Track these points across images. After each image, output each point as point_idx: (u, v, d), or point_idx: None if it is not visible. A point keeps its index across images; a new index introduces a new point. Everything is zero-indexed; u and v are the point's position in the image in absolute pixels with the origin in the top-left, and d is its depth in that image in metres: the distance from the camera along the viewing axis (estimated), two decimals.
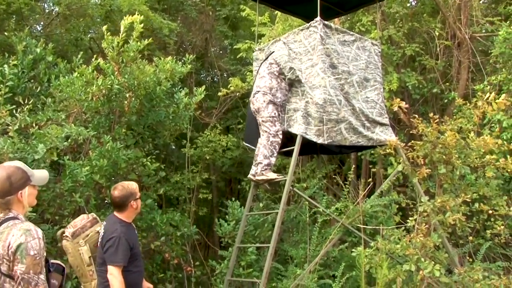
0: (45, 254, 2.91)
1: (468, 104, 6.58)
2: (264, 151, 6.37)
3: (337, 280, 6.09)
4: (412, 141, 5.66)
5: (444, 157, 5.44)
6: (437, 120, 5.65)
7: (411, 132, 6.19)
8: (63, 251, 4.83)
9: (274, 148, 6.35)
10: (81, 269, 4.50)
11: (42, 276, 2.81)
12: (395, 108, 5.94)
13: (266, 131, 6.38)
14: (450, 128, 5.64)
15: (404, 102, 5.95)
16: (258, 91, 6.50)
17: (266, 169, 6.36)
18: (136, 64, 6.80)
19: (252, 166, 6.61)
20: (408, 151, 5.81)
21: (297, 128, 6.30)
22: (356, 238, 7.06)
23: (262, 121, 6.42)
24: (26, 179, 2.96)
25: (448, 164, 5.48)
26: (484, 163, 5.69)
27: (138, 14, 6.80)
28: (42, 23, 11.76)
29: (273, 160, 6.39)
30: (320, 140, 6.22)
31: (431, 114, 5.81)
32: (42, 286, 2.80)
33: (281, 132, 6.40)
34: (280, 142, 6.38)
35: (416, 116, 5.87)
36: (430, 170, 5.52)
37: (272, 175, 6.38)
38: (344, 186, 7.51)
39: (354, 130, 6.45)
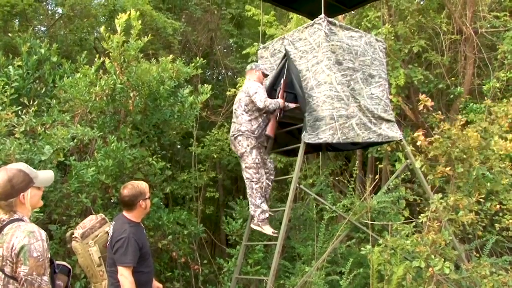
0: (49, 255, 2.95)
1: (499, 104, 6.51)
2: (252, 200, 6.32)
3: (344, 277, 6.08)
4: (434, 137, 5.57)
5: (464, 155, 5.38)
6: (463, 122, 5.59)
7: (424, 129, 6.10)
8: (71, 252, 4.84)
9: (260, 194, 6.30)
10: (91, 270, 4.50)
11: (46, 278, 2.85)
12: (421, 107, 5.81)
13: (248, 178, 6.32)
14: (475, 128, 5.58)
15: (430, 100, 5.82)
16: (241, 134, 6.36)
17: (263, 220, 6.31)
18: (138, 64, 6.80)
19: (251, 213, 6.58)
20: (425, 148, 5.73)
21: (308, 138, 6.21)
22: (364, 234, 7.05)
23: (246, 167, 6.32)
24: (28, 181, 3.00)
25: (466, 163, 5.43)
26: (502, 169, 5.66)
27: (135, 12, 6.78)
28: (46, 24, 11.76)
29: (264, 206, 6.32)
30: (335, 139, 6.12)
31: (458, 116, 5.75)
32: (46, 287, 2.83)
33: (264, 176, 6.36)
34: (264, 185, 6.36)
35: (440, 112, 5.80)
36: (449, 170, 5.45)
37: (268, 230, 6.31)
38: (350, 183, 7.50)
39: (364, 125, 6.39)
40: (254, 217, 6.38)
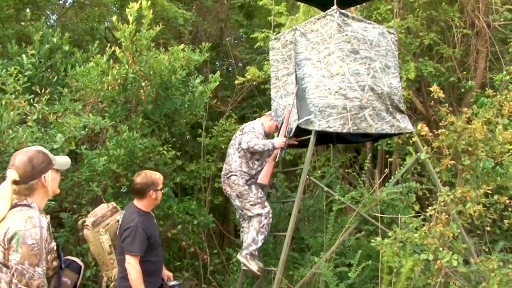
0: (52, 245, 2.78)
1: (499, 96, 6.45)
2: (254, 234, 6.01)
3: (353, 269, 6.09)
4: (440, 130, 5.54)
5: (470, 148, 5.35)
6: (469, 114, 5.54)
7: (434, 122, 6.07)
8: (82, 240, 4.89)
9: (265, 230, 6.06)
10: (102, 258, 4.56)
11: (39, 270, 2.56)
12: (435, 96, 5.74)
13: (258, 214, 6.01)
14: (480, 120, 5.53)
15: (441, 92, 5.75)
16: (234, 174, 6.03)
17: (252, 255, 6.00)
18: (150, 53, 6.80)
19: (242, 248, 6.25)
20: (432, 140, 5.71)
21: (318, 125, 6.15)
22: (373, 227, 7.05)
23: (251, 205, 6.00)
24: (48, 162, 2.81)
25: (473, 155, 5.39)
26: (504, 154, 5.62)
27: (146, 1, 6.77)
28: (57, 12, 11.77)
29: (261, 244, 6.06)
30: (345, 129, 6.08)
31: (465, 109, 5.71)
32: (38, 280, 2.56)
33: (271, 212, 6.15)
34: (271, 222, 6.15)
35: (447, 105, 5.75)
36: (453, 162, 5.43)
37: (254, 267, 5.97)
38: (359, 175, 7.48)
39: (378, 116, 6.35)
40: (243, 249, 6.08)
